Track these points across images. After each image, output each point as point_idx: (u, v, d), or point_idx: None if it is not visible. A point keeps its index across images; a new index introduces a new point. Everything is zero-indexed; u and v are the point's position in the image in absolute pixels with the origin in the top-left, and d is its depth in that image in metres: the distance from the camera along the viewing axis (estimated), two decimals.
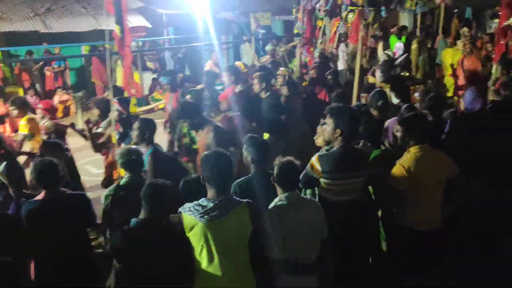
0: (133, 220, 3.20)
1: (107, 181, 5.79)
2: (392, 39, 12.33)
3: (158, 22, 13.83)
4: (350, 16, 5.86)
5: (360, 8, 5.74)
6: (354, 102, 6.20)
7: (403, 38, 12.11)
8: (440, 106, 5.38)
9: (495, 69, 6.99)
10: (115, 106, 5.37)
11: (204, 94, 6.51)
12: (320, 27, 9.63)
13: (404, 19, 16.05)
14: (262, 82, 6.51)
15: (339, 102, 4.99)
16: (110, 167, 5.80)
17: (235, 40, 15.06)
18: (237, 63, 9.06)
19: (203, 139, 5.02)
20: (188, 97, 5.94)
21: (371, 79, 7.46)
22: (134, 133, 4.63)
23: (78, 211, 3.74)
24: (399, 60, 9.13)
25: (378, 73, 7.14)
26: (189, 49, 13.44)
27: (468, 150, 4.58)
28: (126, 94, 6.30)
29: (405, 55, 9.36)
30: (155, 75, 13.16)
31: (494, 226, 4.52)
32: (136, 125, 4.65)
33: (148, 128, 4.62)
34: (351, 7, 5.89)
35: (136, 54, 13.56)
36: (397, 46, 9.92)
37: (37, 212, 3.60)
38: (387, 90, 6.68)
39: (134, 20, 12.26)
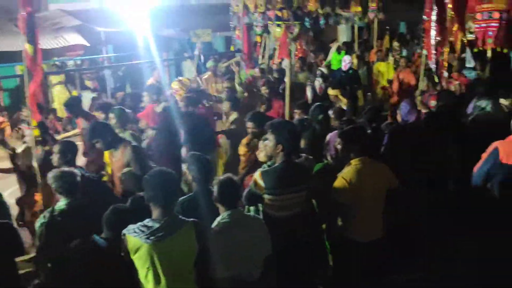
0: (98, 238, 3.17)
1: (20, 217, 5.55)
2: (333, 54, 12.62)
3: (97, 40, 13.53)
4: (278, 30, 5.94)
5: (285, 22, 5.82)
6: (286, 117, 6.19)
7: (343, 53, 12.43)
8: (378, 118, 5.52)
9: (421, 82, 7.30)
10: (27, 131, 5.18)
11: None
12: (260, 43, 9.70)
13: (343, 34, 16.53)
14: (189, 106, 6.48)
15: (256, 123, 5.08)
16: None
17: (176, 57, 14.96)
18: (183, 78, 8.94)
19: (119, 159, 4.86)
20: (111, 116, 5.72)
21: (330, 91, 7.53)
22: (55, 157, 4.53)
23: (2, 240, 3.50)
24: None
25: (308, 90, 7.25)
26: (129, 66, 13.22)
27: (406, 160, 4.71)
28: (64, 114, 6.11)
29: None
30: (95, 94, 12.80)
31: (434, 235, 4.65)
32: (56, 148, 4.56)
33: (70, 150, 4.57)
34: (277, 22, 5.98)
35: (74, 73, 13.20)
36: (346, 59, 10.16)
37: None
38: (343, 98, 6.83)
39: (71, 39, 11.98)
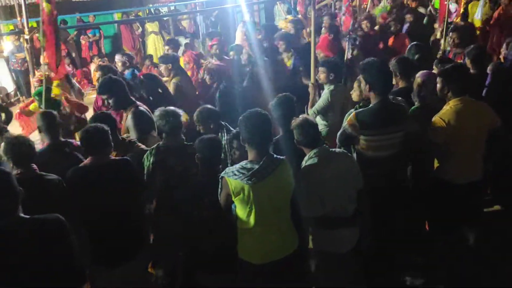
0: None
1: None
2: None
3: None
4: None
5: None
6: None
7: None
8: (484, 58, 5.18)
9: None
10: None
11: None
12: None
13: None
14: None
15: None
16: None
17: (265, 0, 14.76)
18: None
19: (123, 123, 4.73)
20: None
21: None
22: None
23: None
24: None
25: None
26: (221, 11, 13.28)
27: (508, 102, 4.43)
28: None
29: None
30: (187, 41, 13.09)
31: None
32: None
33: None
34: None
35: (168, 18, 13.56)
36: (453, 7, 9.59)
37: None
38: None
39: None
